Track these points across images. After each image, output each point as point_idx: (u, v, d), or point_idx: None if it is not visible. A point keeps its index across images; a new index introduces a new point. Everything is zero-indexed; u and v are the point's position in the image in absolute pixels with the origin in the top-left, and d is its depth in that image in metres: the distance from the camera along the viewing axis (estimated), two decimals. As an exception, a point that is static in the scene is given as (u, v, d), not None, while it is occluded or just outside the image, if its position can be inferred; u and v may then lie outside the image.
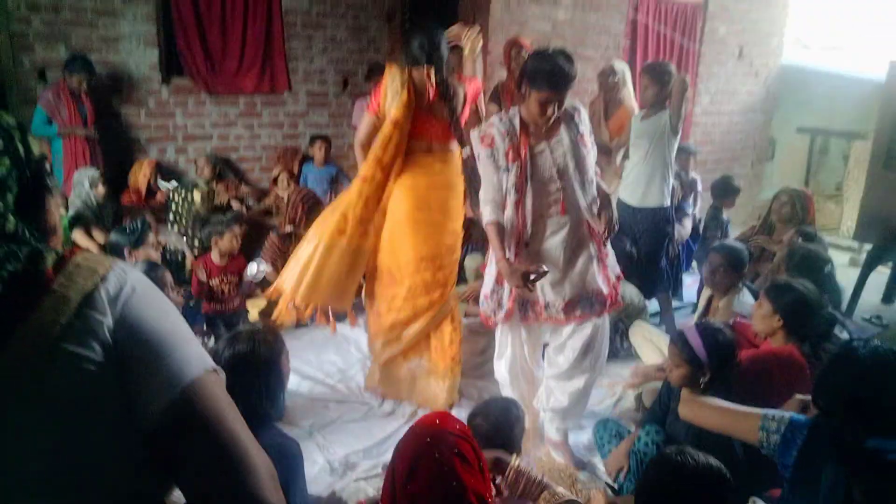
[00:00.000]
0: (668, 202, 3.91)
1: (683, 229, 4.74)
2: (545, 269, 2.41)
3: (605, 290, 2.60)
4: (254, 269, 3.67)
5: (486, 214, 2.56)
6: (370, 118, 3.01)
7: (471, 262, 4.55)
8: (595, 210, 2.57)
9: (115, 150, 5.16)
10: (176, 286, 3.27)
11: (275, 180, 5.28)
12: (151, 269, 2.93)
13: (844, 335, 2.77)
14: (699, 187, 5.08)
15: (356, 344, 3.78)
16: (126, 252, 3.39)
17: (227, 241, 3.75)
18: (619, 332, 3.69)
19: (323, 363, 3.58)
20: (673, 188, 4.00)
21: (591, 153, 2.58)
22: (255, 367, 1.93)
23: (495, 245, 2.53)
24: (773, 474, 1.89)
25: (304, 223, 4.33)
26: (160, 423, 0.80)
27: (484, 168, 2.57)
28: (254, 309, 4.10)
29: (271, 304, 4.14)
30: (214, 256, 3.79)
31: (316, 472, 2.64)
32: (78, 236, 4.10)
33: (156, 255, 3.63)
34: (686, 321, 3.70)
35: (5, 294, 0.75)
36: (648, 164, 3.81)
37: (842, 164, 7.36)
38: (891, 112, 4.86)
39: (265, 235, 4.50)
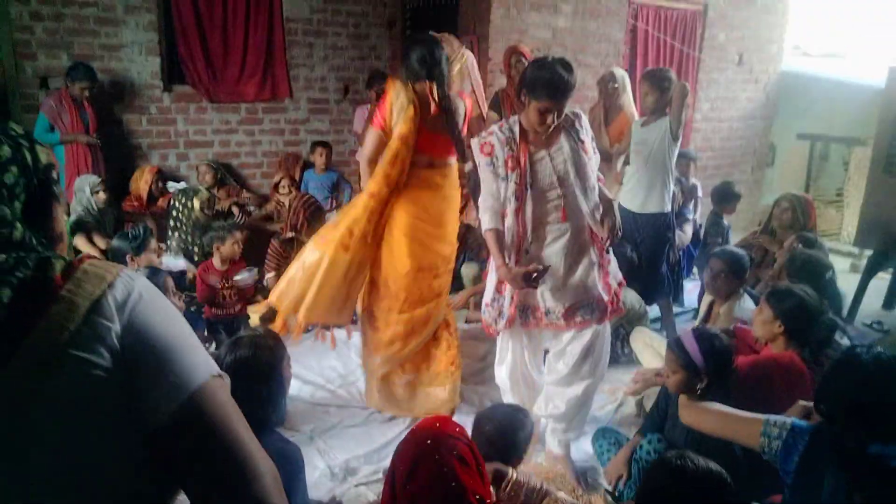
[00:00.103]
0: (668, 208, 3.92)
1: (684, 235, 4.75)
2: (545, 265, 2.43)
3: (606, 297, 2.60)
4: (244, 274, 3.68)
5: (485, 222, 2.58)
6: (376, 134, 2.98)
7: (467, 270, 4.58)
8: (598, 216, 2.57)
9: (116, 157, 5.19)
10: (177, 291, 3.28)
11: (276, 186, 5.29)
12: (153, 275, 2.94)
13: (845, 341, 2.77)
14: (700, 193, 5.09)
15: (357, 349, 3.76)
16: (128, 258, 3.39)
17: (229, 246, 3.76)
18: (620, 337, 3.69)
19: (324, 368, 3.58)
20: (673, 194, 4.01)
21: (592, 160, 2.58)
22: (257, 373, 1.94)
23: (494, 252, 2.54)
24: (774, 480, 1.88)
25: (305, 229, 4.34)
26: (167, 427, 0.81)
27: (483, 175, 2.58)
28: (254, 314, 4.10)
29: (272, 310, 4.16)
30: (216, 262, 3.80)
31: (317, 476, 2.64)
32: (80, 242, 4.11)
33: (158, 261, 3.64)
34: (687, 327, 3.70)
35: (15, 300, 0.76)
36: (649, 170, 3.82)
37: (842, 170, 7.37)
38: (890, 118, 4.86)
39: (266, 241, 4.51)
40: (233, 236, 3.80)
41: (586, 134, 2.59)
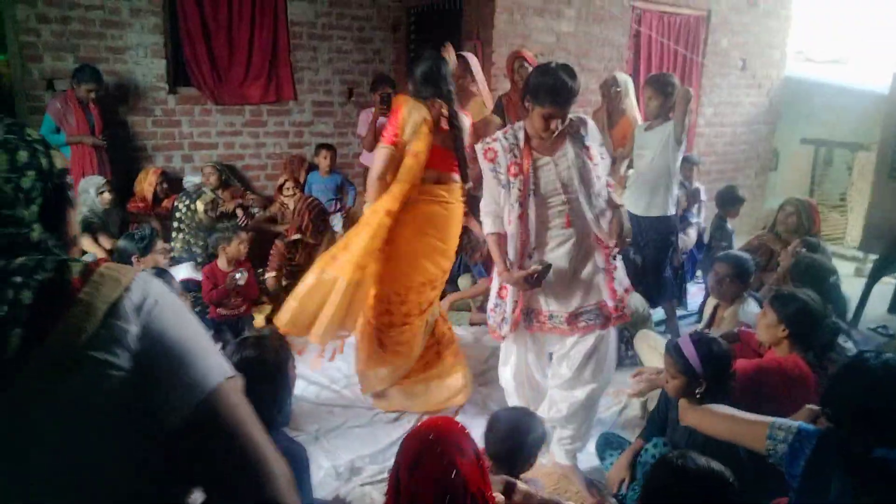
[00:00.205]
0: (672, 211, 3.92)
1: (688, 238, 4.75)
2: (546, 264, 2.43)
3: (611, 303, 2.58)
4: (236, 275, 3.70)
5: (487, 226, 2.61)
6: (388, 151, 2.94)
7: (463, 282, 4.62)
8: (603, 222, 2.55)
9: (122, 159, 5.22)
10: (183, 292, 3.29)
11: (280, 188, 5.30)
12: (159, 276, 2.94)
13: (849, 345, 2.77)
14: (703, 196, 5.10)
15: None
16: (134, 259, 3.41)
17: (235, 247, 3.78)
18: (624, 340, 3.70)
19: (328, 369, 3.58)
20: (677, 198, 4.01)
21: (599, 165, 2.56)
22: (262, 373, 1.94)
23: (496, 256, 2.57)
24: (780, 483, 1.88)
25: (310, 231, 4.36)
26: (183, 429, 0.82)
27: (486, 180, 2.59)
28: (259, 315, 4.12)
29: (276, 311, 4.18)
30: (221, 263, 3.81)
31: (321, 476, 2.65)
32: (85, 243, 4.13)
33: (164, 262, 3.65)
34: (690, 330, 3.70)
35: (35, 302, 0.77)
36: (652, 174, 3.83)
37: (846, 175, 7.37)
38: (894, 123, 4.87)
39: (270, 242, 4.53)
40: (238, 237, 3.82)
41: (592, 140, 2.56)
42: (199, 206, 4.53)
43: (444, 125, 2.99)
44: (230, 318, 3.82)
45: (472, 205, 3.50)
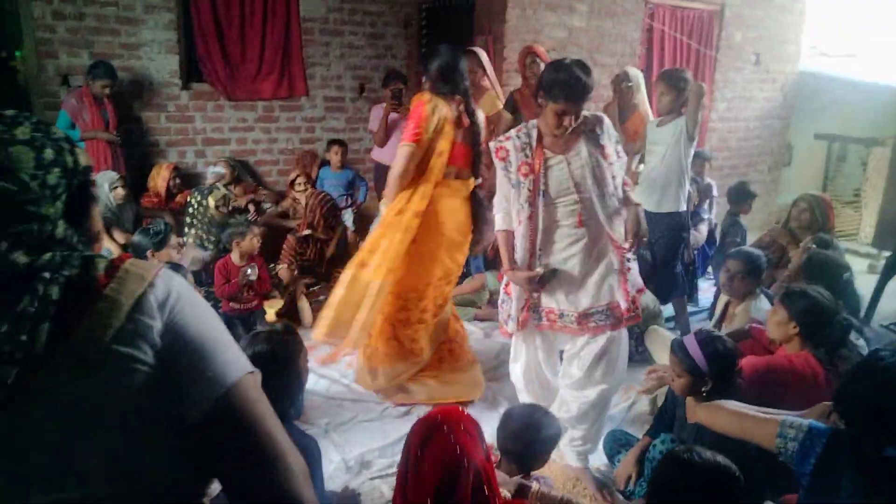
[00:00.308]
0: (683, 207, 3.91)
1: (699, 235, 4.74)
2: (551, 269, 2.44)
3: (624, 304, 2.55)
4: (248, 271, 3.73)
5: (498, 222, 2.63)
6: (411, 149, 2.88)
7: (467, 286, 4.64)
8: (615, 223, 2.52)
9: (135, 154, 5.27)
10: (197, 287, 3.33)
11: (292, 183, 5.33)
12: (173, 270, 2.98)
13: (861, 342, 2.75)
14: (715, 192, 5.07)
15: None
16: (149, 254, 3.45)
17: (248, 241, 3.80)
18: (635, 336, 3.69)
19: (339, 362, 3.61)
20: (689, 194, 4.00)
21: (615, 164, 2.52)
22: (275, 367, 1.96)
23: (503, 253, 2.58)
24: (791, 480, 1.87)
25: (321, 226, 4.39)
26: (203, 422, 0.84)
27: (499, 178, 2.59)
28: (270, 309, 4.16)
29: (287, 305, 4.21)
30: (234, 257, 3.84)
31: (332, 470, 2.67)
32: (100, 237, 4.17)
33: (178, 257, 3.69)
34: (701, 326, 3.70)
35: (62, 298, 0.78)
36: (664, 169, 3.82)
37: (860, 171, 7.31)
38: (910, 118, 4.82)
39: (282, 238, 4.56)
40: (252, 232, 3.84)
41: (608, 138, 2.52)
42: (211, 201, 4.57)
43: (466, 121, 2.99)
44: (242, 312, 3.85)
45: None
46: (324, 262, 4.51)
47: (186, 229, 4.63)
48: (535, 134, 2.50)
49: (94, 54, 5.03)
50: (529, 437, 2.14)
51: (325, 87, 6.12)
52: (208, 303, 0.97)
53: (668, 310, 4.18)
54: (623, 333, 2.63)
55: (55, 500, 0.78)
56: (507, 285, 2.68)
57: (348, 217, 5.31)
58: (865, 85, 7.11)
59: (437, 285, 3.16)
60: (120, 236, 4.33)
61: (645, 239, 2.57)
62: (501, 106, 4.34)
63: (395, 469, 2.65)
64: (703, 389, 2.16)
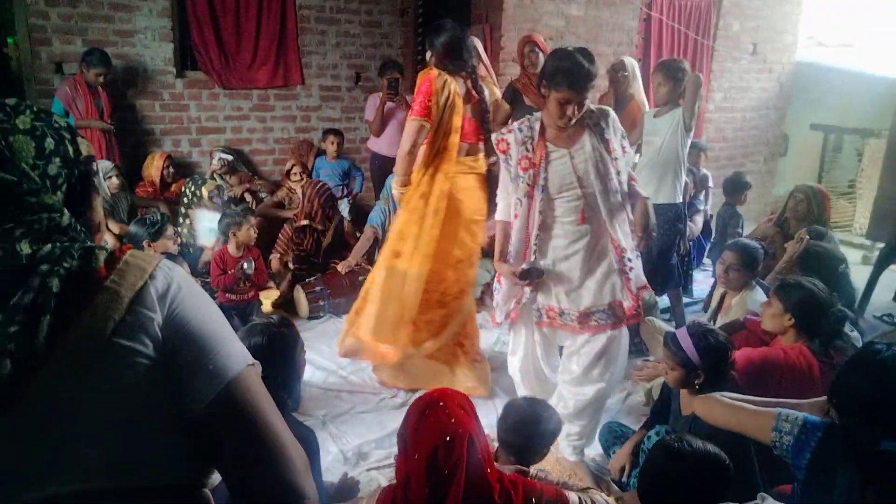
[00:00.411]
0: (680, 198, 3.91)
1: (695, 226, 4.74)
2: (542, 268, 2.44)
3: (626, 303, 2.53)
4: (244, 265, 3.72)
5: (498, 211, 2.62)
6: (419, 123, 2.81)
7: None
8: (619, 219, 2.50)
9: (130, 143, 5.23)
10: (193, 278, 3.31)
11: (288, 173, 5.31)
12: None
13: (855, 333, 2.77)
14: (711, 183, 5.07)
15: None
16: (145, 244, 3.44)
17: (245, 231, 3.79)
18: (630, 327, 3.70)
19: (336, 354, 3.61)
20: (685, 185, 4.00)
21: (620, 159, 2.48)
22: (272, 359, 1.96)
23: (497, 242, 2.58)
24: (788, 471, 1.87)
25: (319, 216, 4.38)
26: (205, 414, 0.84)
27: (501, 169, 2.58)
28: (267, 300, 4.15)
29: (282, 296, 4.21)
30: (231, 248, 3.83)
31: (329, 461, 2.69)
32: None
33: (174, 248, 3.68)
34: (696, 317, 3.71)
35: (62, 290, 0.77)
36: (661, 160, 3.81)
37: (855, 162, 7.32)
38: (906, 110, 4.83)
39: (277, 227, 4.55)
40: (248, 222, 3.83)
41: (613, 133, 2.48)
42: (204, 192, 4.55)
43: (475, 96, 2.95)
44: (238, 303, 3.84)
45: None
46: (320, 251, 4.50)
47: (181, 219, 4.61)
48: (538, 127, 2.46)
49: (88, 41, 4.98)
50: (530, 431, 2.14)
51: (321, 76, 6.08)
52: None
53: (664, 301, 4.19)
54: (623, 332, 2.61)
55: (55, 494, 0.77)
56: (500, 275, 2.68)
57: (344, 207, 5.30)
58: (862, 75, 7.11)
59: (458, 267, 3.11)
60: (115, 226, 4.31)
61: (654, 233, 2.55)
62: (499, 94, 4.33)
63: (392, 460, 2.67)
64: (696, 382, 2.17)
